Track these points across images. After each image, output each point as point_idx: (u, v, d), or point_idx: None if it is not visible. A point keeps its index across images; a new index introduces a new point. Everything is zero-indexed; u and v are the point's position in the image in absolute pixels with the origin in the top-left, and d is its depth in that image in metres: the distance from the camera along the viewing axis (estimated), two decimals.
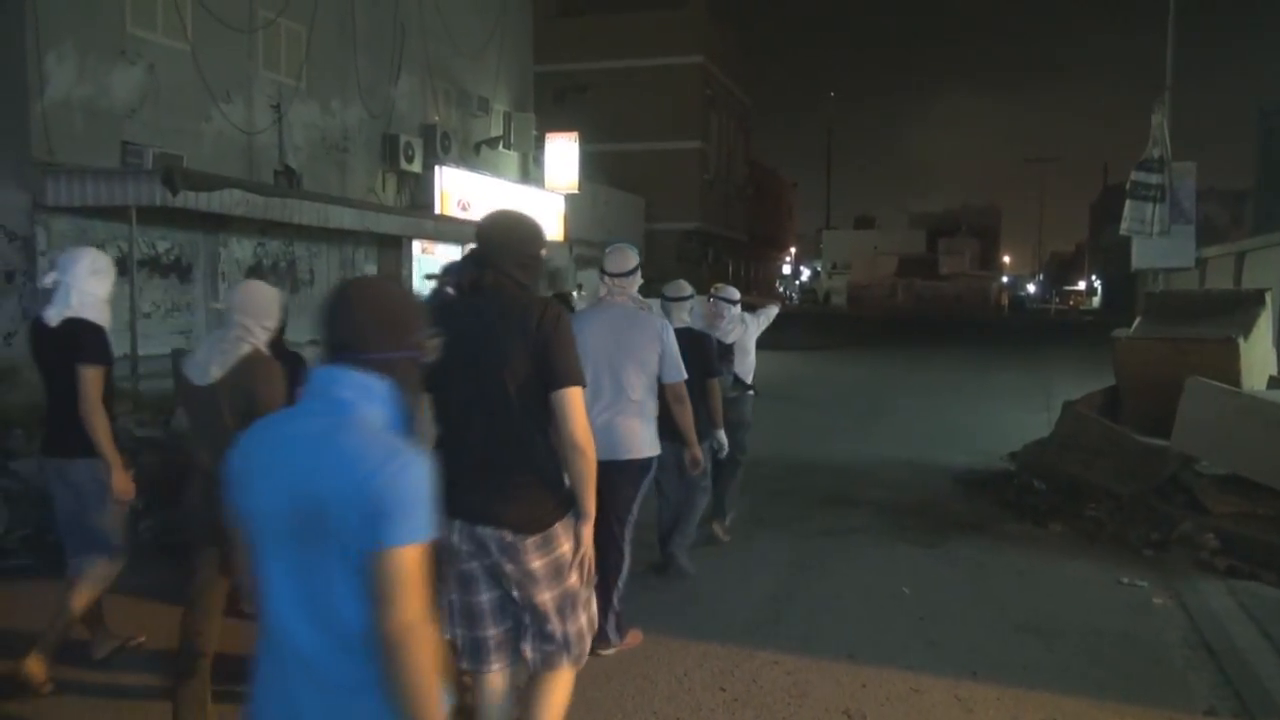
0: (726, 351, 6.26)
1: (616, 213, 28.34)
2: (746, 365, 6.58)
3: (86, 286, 3.73)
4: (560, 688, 2.87)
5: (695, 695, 3.96)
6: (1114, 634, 4.75)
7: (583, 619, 2.82)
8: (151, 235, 11.95)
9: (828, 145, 68.81)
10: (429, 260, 18.57)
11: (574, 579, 2.75)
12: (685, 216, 31.44)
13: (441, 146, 17.63)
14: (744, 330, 6.59)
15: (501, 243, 2.75)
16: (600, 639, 3.90)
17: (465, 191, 18.11)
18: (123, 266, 11.13)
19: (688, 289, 5.36)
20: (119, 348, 10.12)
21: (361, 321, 1.72)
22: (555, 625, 2.75)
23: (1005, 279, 79.56)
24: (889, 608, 5.12)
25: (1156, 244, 11.54)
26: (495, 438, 2.65)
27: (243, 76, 13.26)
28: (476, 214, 17.89)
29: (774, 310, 7.33)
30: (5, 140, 9.90)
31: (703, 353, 5.25)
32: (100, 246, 11.43)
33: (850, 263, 61.32)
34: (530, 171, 22.29)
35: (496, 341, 2.66)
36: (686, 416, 4.47)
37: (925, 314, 48.83)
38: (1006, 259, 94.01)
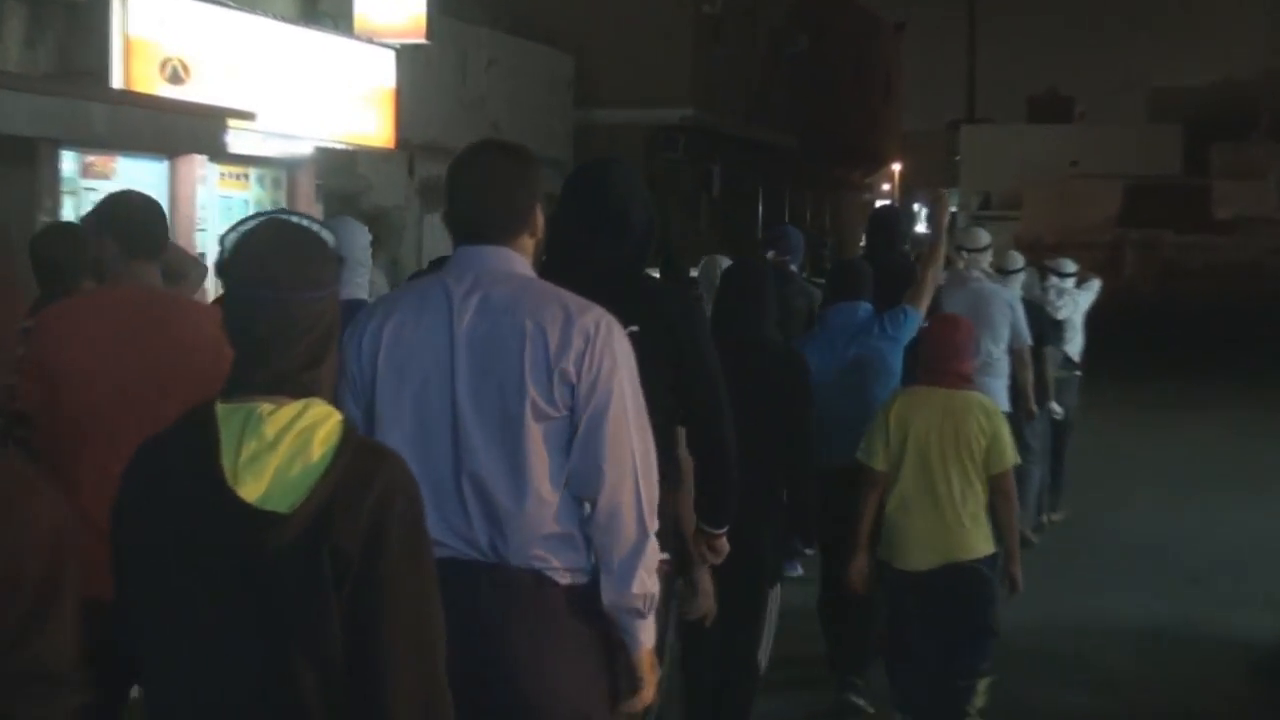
0: (1057, 327, 7.75)
1: (511, 86, 16.77)
2: (1076, 344, 8.11)
3: None
4: None
5: None
6: None
7: None
8: None
9: None
10: (93, 188, 10.50)
11: None
12: (662, 97, 19.13)
13: None
14: (1074, 306, 8.01)
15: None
16: None
17: (180, 41, 10.83)
18: None
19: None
20: None
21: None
22: None
23: None
24: None
25: None
26: None
27: None
28: (203, 90, 10.45)
29: (1097, 283, 8.75)
30: None
31: (1036, 320, 7.39)
32: None
33: (1021, 195, 37.10)
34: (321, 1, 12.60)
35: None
36: (1026, 374, 6.52)
37: (1183, 305, 25.09)
38: None
